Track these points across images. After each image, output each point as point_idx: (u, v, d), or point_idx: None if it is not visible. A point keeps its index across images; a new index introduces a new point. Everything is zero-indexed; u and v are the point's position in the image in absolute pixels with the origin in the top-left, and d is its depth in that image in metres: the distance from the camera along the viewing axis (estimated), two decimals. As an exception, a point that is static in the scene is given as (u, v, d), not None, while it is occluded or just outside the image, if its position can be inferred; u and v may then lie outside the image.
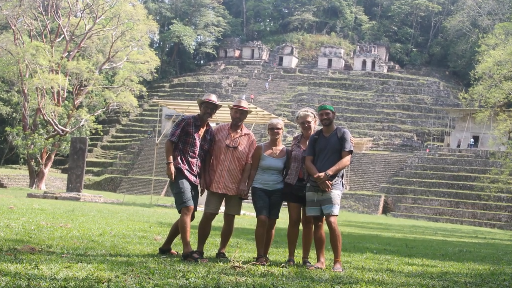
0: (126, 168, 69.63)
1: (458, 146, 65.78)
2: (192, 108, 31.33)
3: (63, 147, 53.29)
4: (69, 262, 6.39)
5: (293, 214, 8.40)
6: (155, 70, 64.77)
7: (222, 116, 29.11)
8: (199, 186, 8.39)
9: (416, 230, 29.85)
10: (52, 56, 50.20)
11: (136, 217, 17.96)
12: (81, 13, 54.67)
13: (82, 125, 57.11)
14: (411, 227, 33.88)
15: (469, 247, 16.60)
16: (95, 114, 60.70)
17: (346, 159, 7.83)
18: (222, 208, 8.54)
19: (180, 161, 8.09)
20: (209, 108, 8.32)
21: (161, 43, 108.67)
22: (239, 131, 8.39)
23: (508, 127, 48.87)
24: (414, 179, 58.88)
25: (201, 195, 8.46)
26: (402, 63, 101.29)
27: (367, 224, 32.10)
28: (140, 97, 70.66)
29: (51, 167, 56.61)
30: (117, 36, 54.18)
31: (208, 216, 8.33)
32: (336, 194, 7.74)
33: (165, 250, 8.39)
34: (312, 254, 8.55)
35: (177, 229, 8.18)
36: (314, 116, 8.34)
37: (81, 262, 6.50)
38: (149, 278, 5.62)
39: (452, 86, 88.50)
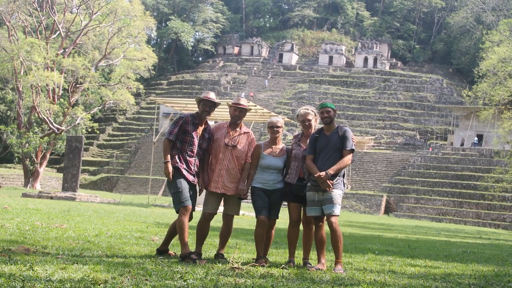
0: (123, 167, 69.65)
1: (462, 145, 65.83)
2: (190, 106, 31.31)
3: (59, 146, 53.30)
4: (65, 263, 6.38)
5: (293, 214, 8.38)
6: (153, 67, 64.69)
7: (221, 114, 29.12)
8: (197, 186, 8.37)
9: (419, 230, 29.85)
10: (47, 53, 50.18)
11: (133, 217, 17.95)
12: (77, 9, 54.69)
13: (78, 124, 57.12)
14: (414, 227, 33.89)
15: (473, 248, 16.60)
16: (91, 112, 60.68)
17: (348, 158, 7.81)
18: (221, 208, 8.53)
19: (178, 160, 8.07)
20: (208, 106, 8.29)
21: (159, 40, 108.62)
22: (238, 129, 8.37)
23: (512, 125, 48.85)
24: (417, 179, 58.91)
25: (199, 195, 8.44)
26: (404, 60, 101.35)
27: (369, 225, 32.11)
28: (137, 95, 70.63)
29: (46, 166, 56.62)
30: (114, 33, 54.16)
31: (207, 217, 8.30)
32: (337, 193, 7.72)
33: (162, 251, 8.37)
34: (313, 255, 8.53)
35: (175, 230, 8.16)
36: (315, 114, 8.32)
37: (76, 263, 6.49)
38: (146, 280, 5.61)
39: (456, 83, 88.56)
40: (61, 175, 43.90)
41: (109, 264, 6.67)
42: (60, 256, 7.13)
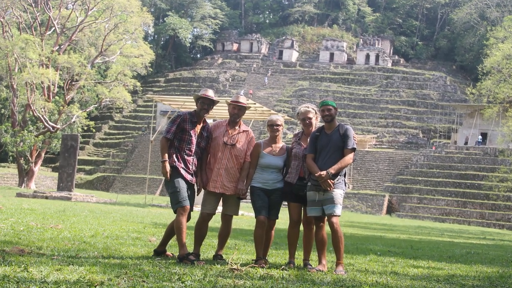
0: (119, 167, 69.67)
1: (466, 143, 65.87)
2: (188, 104, 31.30)
3: (54, 145, 53.31)
4: (60, 265, 6.38)
5: (294, 215, 8.37)
6: (150, 64, 64.73)
7: (220, 112, 29.10)
8: (195, 185, 8.35)
9: (422, 231, 29.88)
10: (42, 50, 50.18)
11: (130, 218, 17.95)
12: (73, 5, 54.68)
13: (74, 122, 57.08)
14: (417, 228, 33.92)
15: (477, 248, 16.62)
16: (87, 110, 60.66)
17: (349, 157, 7.80)
18: (220, 208, 8.53)
19: (175, 159, 8.05)
20: (206, 104, 8.26)
21: (156, 36, 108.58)
22: (237, 128, 8.36)
23: (517, 124, 48.91)
24: (420, 178, 58.94)
25: (197, 195, 8.42)
26: (407, 57, 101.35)
27: (371, 225, 32.14)
28: (134, 93, 70.64)
29: (41, 166, 56.62)
30: (110, 29, 54.15)
31: (205, 217, 8.30)
32: (338, 193, 7.71)
33: (160, 252, 8.37)
34: (313, 256, 8.53)
35: (173, 230, 8.16)
36: (316, 112, 8.31)
37: (72, 264, 6.49)
38: (143, 281, 5.61)
39: (459, 81, 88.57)
40: (56, 174, 43.91)
41: (105, 265, 6.67)
42: (55, 257, 7.13)
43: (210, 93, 8.35)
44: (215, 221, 10.08)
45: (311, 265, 8.05)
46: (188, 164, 8.11)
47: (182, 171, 8.02)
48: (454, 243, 19.85)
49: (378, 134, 72.22)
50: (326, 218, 7.85)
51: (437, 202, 54.55)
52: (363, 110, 78.30)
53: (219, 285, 5.75)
